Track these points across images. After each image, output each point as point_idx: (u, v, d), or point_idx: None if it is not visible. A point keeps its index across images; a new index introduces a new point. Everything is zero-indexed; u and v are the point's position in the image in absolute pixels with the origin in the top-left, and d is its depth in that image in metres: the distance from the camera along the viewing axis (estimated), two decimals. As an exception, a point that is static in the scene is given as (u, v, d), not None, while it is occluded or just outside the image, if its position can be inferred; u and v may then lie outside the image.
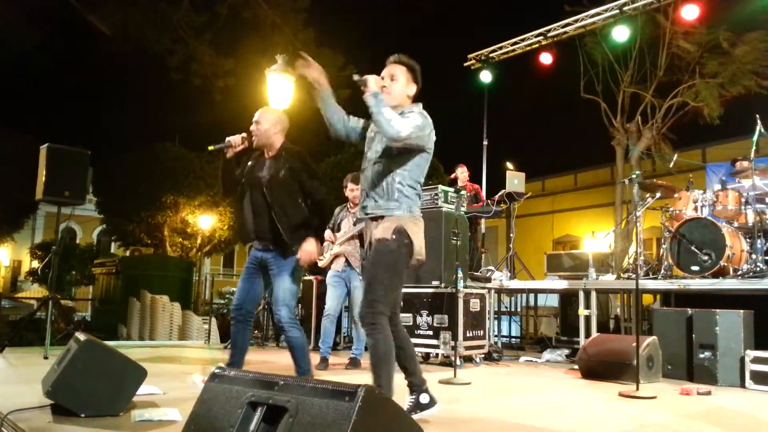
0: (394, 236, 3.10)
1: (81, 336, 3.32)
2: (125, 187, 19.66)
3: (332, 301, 5.96)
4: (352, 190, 5.99)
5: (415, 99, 3.35)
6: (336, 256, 6.01)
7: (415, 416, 3.16)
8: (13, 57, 14.36)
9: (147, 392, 3.69)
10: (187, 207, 20.63)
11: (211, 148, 4.04)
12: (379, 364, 3.05)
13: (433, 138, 3.25)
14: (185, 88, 15.08)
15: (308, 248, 3.84)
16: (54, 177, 5.89)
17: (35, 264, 23.85)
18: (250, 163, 4.07)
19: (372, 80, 3.12)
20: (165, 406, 3.37)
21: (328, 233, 6.07)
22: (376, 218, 3.22)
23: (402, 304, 6.32)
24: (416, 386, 3.28)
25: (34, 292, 25.25)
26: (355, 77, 3.17)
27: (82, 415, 3.07)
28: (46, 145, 5.96)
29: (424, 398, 3.27)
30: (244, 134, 4.03)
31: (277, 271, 3.88)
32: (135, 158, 20.12)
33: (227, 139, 4.02)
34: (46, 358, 5.49)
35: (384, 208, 3.17)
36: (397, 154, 3.17)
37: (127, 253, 21.52)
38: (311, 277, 7.79)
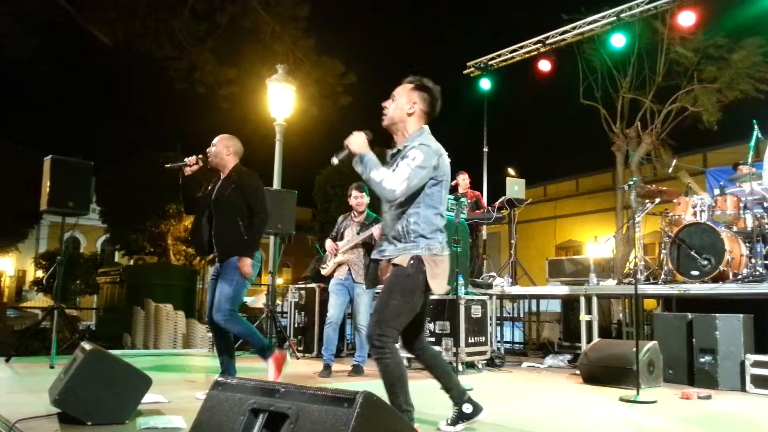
0: (411, 262, 3.07)
1: (87, 345, 3.38)
2: (128, 196, 19.71)
3: (334, 309, 6.00)
4: (356, 198, 6.05)
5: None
6: (339, 265, 6.05)
7: (462, 426, 3.36)
8: (15, 68, 14.45)
9: (152, 400, 3.74)
10: (190, 216, 20.68)
11: (167, 165, 4.52)
12: (395, 386, 3.03)
13: (445, 163, 3.14)
14: (187, 97, 15.20)
15: (243, 268, 4.28)
16: (58, 188, 5.97)
17: (40, 274, 23.87)
18: (210, 186, 4.52)
19: (353, 142, 3.06)
20: (169, 414, 3.41)
21: (329, 243, 6.12)
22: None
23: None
24: (457, 398, 3.38)
25: (38, 301, 25.32)
26: (334, 160, 3.14)
27: (89, 424, 3.12)
28: (50, 156, 6.04)
29: (467, 408, 3.36)
30: (200, 155, 4.47)
31: (220, 279, 4.32)
32: (138, 167, 20.18)
33: (185, 159, 4.47)
34: (52, 367, 5.54)
35: (402, 251, 3.11)
36: (408, 198, 3.07)
37: (131, 262, 21.59)
38: (314, 285, 7.83)
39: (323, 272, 6.22)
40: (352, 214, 6.17)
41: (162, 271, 16.99)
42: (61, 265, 6.15)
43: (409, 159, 2.99)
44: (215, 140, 4.47)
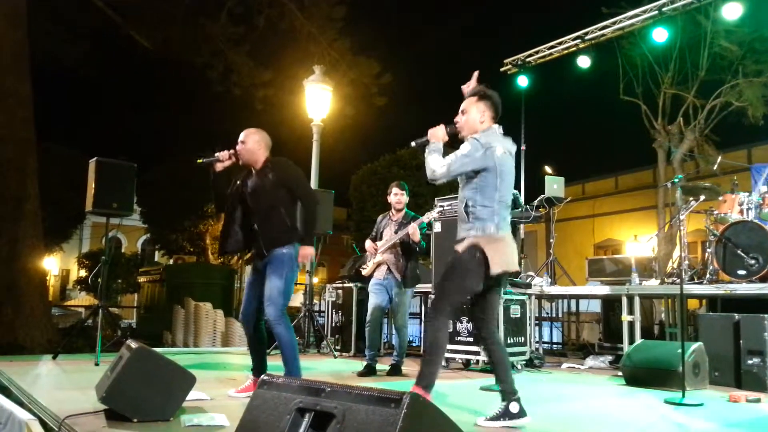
0: (466, 250, 3.44)
1: (132, 343, 3.44)
2: (168, 197, 20.12)
3: (374, 308, 6.00)
4: (396, 195, 6.05)
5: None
6: (378, 265, 6.05)
7: (502, 423, 3.39)
8: (61, 74, 14.83)
9: (195, 398, 3.79)
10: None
11: (200, 161, 4.36)
12: (427, 351, 3.49)
13: (497, 154, 3.45)
14: (224, 99, 15.37)
15: (303, 252, 4.21)
16: (102, 189, 6.10)
17: (83, 273, 24.52)
18: (239, 181, 4.39)
19: (431, 134, 3.58)
20: (212, 412, 3.46)
21: (369, 243, 6.12)
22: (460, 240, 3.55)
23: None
24: (507, 394, 3.46)
25: (82, 300, 25.97)
26: (412, 144, 3.70)
27: (135, 420, 3.18)
28: (95, 159, 6.18)
29: (513, 407, 3.43)
30: (232, 150, 4.33)
31: (268, 272, 4.16)
32: (177, 169, 20.57)
33: (216, 154, 4.33)
34: (97, 364, 5.67)
35: (465, 231, 3.50)
36: (466, 183, 3.51)
37: (171, 262, 21.99)
38: (351, 285, 7.86)
39: (363, 272, 6.22)
40: (391, 213, 6.16)
41: (201, 270, 17.24)
42: (106, 264, 6.29)
43: (459, 150, 3.45)
44: (243, 135, 4.35)
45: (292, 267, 4.19)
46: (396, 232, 5.95)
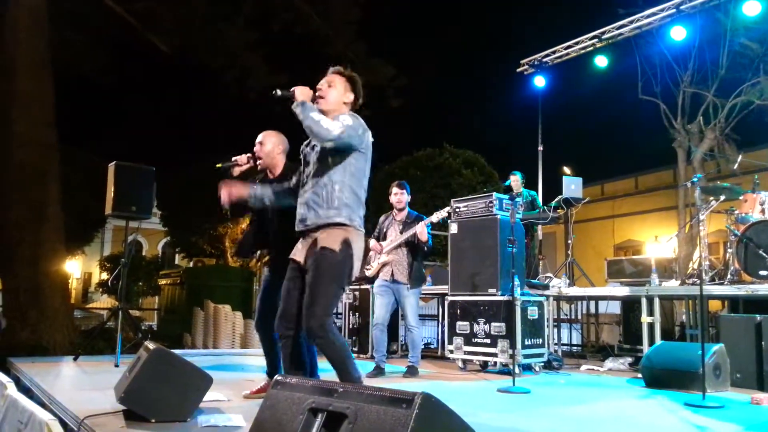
0: (340, 244, 3.14)
1: (150, 345, 3.48)
2: (187, 200, 20.30)
3: (380, 309, 6.00)
4: (396, 194, 6.06)
5: (355, 109, 3.39)
6: (383, 265, 6.04)
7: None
8: (81, 79, 15.02)
9: (212, 399, 3.82)
10: (246, 218, 21.10)
11: (218, 165, 4.30)
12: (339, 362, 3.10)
13: (369, 140, 3.29)
14: (241, 102, 15.49)
15: None
16: (122, 193, 6.17)
17: (104, 276, 24.83)
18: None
19: (299, 91, 3.18)
20: (229, 413, 3.48)
21: (373, 243, 6.12)
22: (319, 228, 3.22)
23: (459, 312, 6.34)
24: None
25: (103, 302, 26.28)
26: (278, 92, 3.23)
27: (153, 421, 3.21)
28: (114, 163, 6.26)
29: None
30: (249, 154, 4.26)
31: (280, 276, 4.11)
32: (196, 172, 20.76)
33: (234, 158, 4.27)
34: (117, 366, 5.73)
35: (325, 218, 3.18)
36: (332, 163, 3.21)
37: (191, 264, 22.17)
38: (368, 286, 7.87)
39: (368, 273, 6.21)
40: (393, 213, 6.16)
41: (220, 272, 17.38)
42: (126, 267, 6.36)
43: (341, 119, 3.17)
44: (261, 138, 4.28)
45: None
46: (401, 232, 5.94)
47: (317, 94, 3.28)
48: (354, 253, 3.13)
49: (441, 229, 8.02)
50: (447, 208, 6.34)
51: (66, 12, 12.01)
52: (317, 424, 1.90)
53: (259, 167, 4.28)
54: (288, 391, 2.06)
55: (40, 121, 9.70)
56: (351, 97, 3.38)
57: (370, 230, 6.14)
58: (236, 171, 4.27)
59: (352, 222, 3.17)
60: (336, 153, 3.18)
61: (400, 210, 6.08)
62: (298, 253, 3.27)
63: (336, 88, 3.34)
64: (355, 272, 3.20)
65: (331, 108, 3.29)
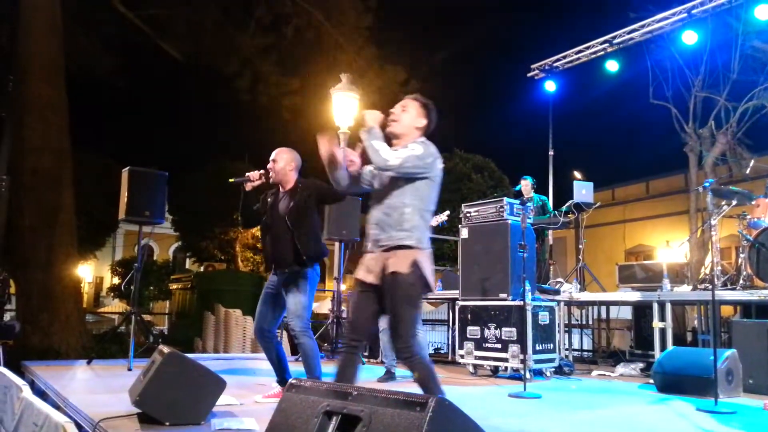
0: (410, 266, 3.16)
1: (165, 348, 3.51)
2: (199, 205, 20.42)
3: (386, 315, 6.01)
4: None
5: (427, 134, 3.40)
6: None
7: None
8: (93, 84, 15.18)
9: (225, 402, 3.85)
10: (249, 227, 21.24)
11: (231, 180, 4.48)
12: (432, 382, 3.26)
13: (440, 167, 3.31)
14: (253, 107, 15.56)
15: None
16: (135, 198, 6.23)
17: (116, 280, 24.98)
18: (269, 199, 4.48)
19: (369, 116, 3.25)
20: (242, 416, 3.51)
21: None
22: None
23: (469, 317, 6.35)
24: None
25: (115, 307, 26.45)
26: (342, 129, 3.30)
27: (167, 424, 3.24)
28: (128, 168, 6.31)
29: None
30: (262, 171, 4.42)
31: (290, 288, 4.27)
32: (207, 177, 20.88)
33: (246, 174, 4.42)
34: (129, 369, 5.77)
35: (396, 240, 3.22)
36: (404, 187, 3.23)
37: (202, 269, 22.27)
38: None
39: None
40: None
41: (231, 277, 17.44)
42: (138, 272, 6.41)
43: (410, 149, 3.20)
44: (275, 155, 4.45)
45: (312, 284, 4.31)
46: None
47: (390, 117, 3.34)
48: (424, 273, 3.18)
49: (451, 233, 8.03)
50: (446, 212, 6.35)
51: (79, 18, 12.15)
52: (332, 426, 1.91)
53: (271, 182, 4.44)
54: (303, 394, 2.08)
55: (54, 127, 9.80)
56: (423, 122, 3.39)
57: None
58: (248, 186, 4.41)
59: (421, 244, 3.22)
60: (407, 178, 3.23)
61: None
62: (366, 272, 3.31)
63: (409, 113, 3.38)
64: (430, 291, 3.29)
65: (402, 131, 3.35)
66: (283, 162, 4.42)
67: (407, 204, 3.21)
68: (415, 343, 3.13)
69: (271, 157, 4.45)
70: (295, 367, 4.54)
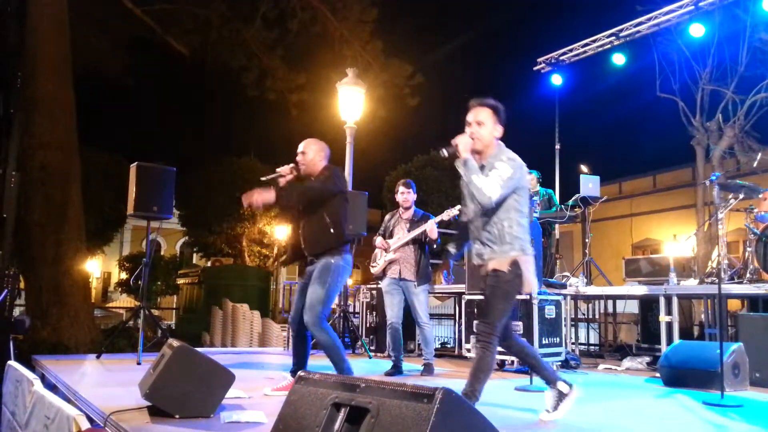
0: (509, 268, 3.42)
1: (174, 342, 3.55)
2: (205, 200, 20.47)
3: (392, 309, 6.03)
4: (403, 193, 6.09)
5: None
6: (390, 263, 6.06)
7: (564, 405, 3.58)
8: (101, 80, 15.25)
9: (234, 395, 3.88)
10: (263, 218, 21.28)
11: (263, 178, 4.48)
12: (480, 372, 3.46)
13: (525, 172, 3.52)
14: (260, 103, 15.60)
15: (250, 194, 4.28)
16: (143, 193, 6.26)
17: (124, 275, 25.10)
18: None
19: (461, 146, 3.42)
20: (250, 409, 3.55)
21: (380, 240, 6.14)
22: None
23: (476, 311, 6.37)
24: (552, 380, 3.63)
25: (122, 301, 26.58)
26: (444, 153, 3.50)
27: (177, 417, 3.28)
28: (136, 163, 6.35)
29: (563, 387, 3.60)
30: (292, 165, 4.39)
31: (315, 278, 4.22)
32: (214, 172, 20.94)
33: (277, 170, 4.41)
34: (139, 363, 5.83)
35: (500, 254, 3.45)
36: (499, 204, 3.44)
37: (209, 264, 22.35)
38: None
39: (373, 270, 6.23)
40: (400, 211, 6.19)
41: (238, 272, 17.52)
42: (147, 267, 6.45)
43: (500, 171, 3.39)
44: (303, 147, 4.41)
45: (337, 276, 4.24)
46: (409, 231, 5.98)
47: (471, 135, 3.48)
48: (523, 273, 3.43)
49: (445, 226, 8.04)
50: (458, 206, 6.36)
51: (87, 14, 12.18)
52: (340, 418, 1.94)
53: (302, 174, 4.41)
54: (311, 386, 2.11)
55: (62, 123, 9.85)
56: (500, 129, 3.55)
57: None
58: (282, 182, 4.39)
59: (524, 251, 3.47)
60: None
61: (407, 209, 6.12)
62: (481, 282, 3.64)
63: (486, 125, 3.49)
64: (529, 289, 3.57)
65: (484, 147, 3.51)
66: (312, 153, 4.39)
67: (504, 218, 3.44)
68: (495, 336, 3.39)
69: (300, 149, 4.41)
70: (314, 361, 4.56)
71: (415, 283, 5.93)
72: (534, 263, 3.55)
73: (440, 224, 6.11)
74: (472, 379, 3.39)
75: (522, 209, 3.49)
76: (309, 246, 4.29)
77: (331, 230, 4.24)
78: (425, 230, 5.88)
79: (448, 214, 6.05)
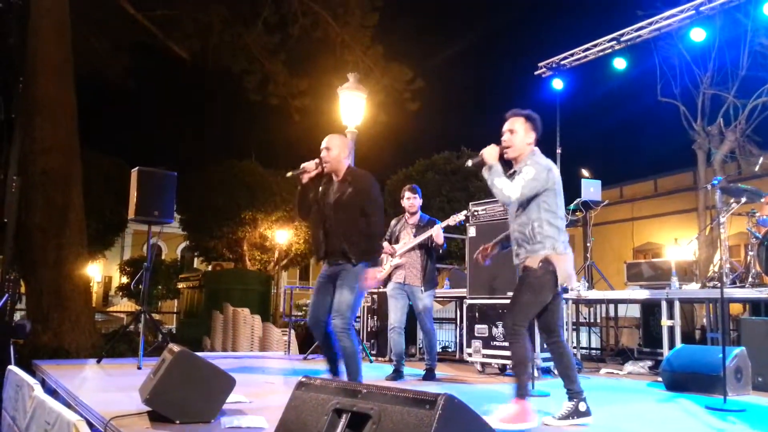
0: (540, 265, 3.60)
1: (175, 347, 3.54)
2: (206, 204, 20.50)
3: (396, 313, 6.01)
4: (409, 199, 6.09)
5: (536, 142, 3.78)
6: (396, 267, 6.06)
7: (573, 421, 3.58)
8: (103, 84, 15.29)
9: (235, 400, 3.87)
10: (264, 222, 21.29)
11: (289, 174, 4.43)
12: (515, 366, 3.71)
13: (556, 174, 3.68)
14: (261, 107, 15.63)
15: (369, 275, 4.22)
16: (144, 198, 6.25)
17: (125, 279, 25.10)
18: (321, 188, 4.39)
19: (486, 154, 3.64)
20: (251, 414, 3.53)
21: (386, 245, 6.13)
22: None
23: (477, 315, 6.36)
24: (576, 393, 3.64)
25: (123, 306, 26.58)
26: (469, 163, 3.75)
27: (177, 422, 3.26)
28: (137, 168, 6.34)
29: (582, 406, 3.62)
30: (317, 160, 4.34)
31: (340, 283, 4.18)
32: (215, 176, 20.96)
33: (302, 165, 4.35)
34: (139, 368, 5.81)
35: (532, 252, 3.64)
36: (528, 205, 3.65)
37: (210, 268, 22.34)
38: (385, 290, 7.89)
39: (378, 276, 6.21)
40: (405, 216, 6.18)
41: (239, 276, 17.50)
42: (148, 271, 6.44)
43: (525, 174, 3.60)
44: (326, 142, 4.34)
45: (362, 282, 4.21)
46: (415, 236, 5.97)
47: (503, 146, 3.70)
48: (557, 269, 3.59)
49: (458, 232, 8.03)
50: (464, 212, 6.35)
51: (88, 19, 12.21)
52: (342, 424, 1.93)
53: (325, 171, 4.37)
54: (313, 392, 2.10)
55: (63, 127, 9.87)
56: (533, 136, 3.75)
57: (389, 234, 6.24)
58: (305, 178, 4.36)
59: (556, 250, 3.62)
60: (528, 198, 3.62)
61: (413, 214, 6.12)
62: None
63: (518, 133, 3.72)
64: (565, 283, 3.69)
65: (517, 154, 3.72)
66: (337, 149, 4.32)
67: (534, 219, 3.62)
68: (521, 329, 3.55)
69: (323, 145, 4.34)
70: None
71: (422, 288, 5.92)
72: (569, 260, 3.67)
73: (446, 229, 6.11)
74: (514, 376, 3.67)
75: (553, 210, 3.64)
76: (343, 252, 4.21)
77: (366, 239, 4.23)
78: (431, 235, 5.88)
79: (454, 220, 6.06)
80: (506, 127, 3.74)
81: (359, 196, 4.24)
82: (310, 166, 4.34)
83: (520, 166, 3.66)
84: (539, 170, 3.60)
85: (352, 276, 4.16)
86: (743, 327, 5.75)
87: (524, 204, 3.66)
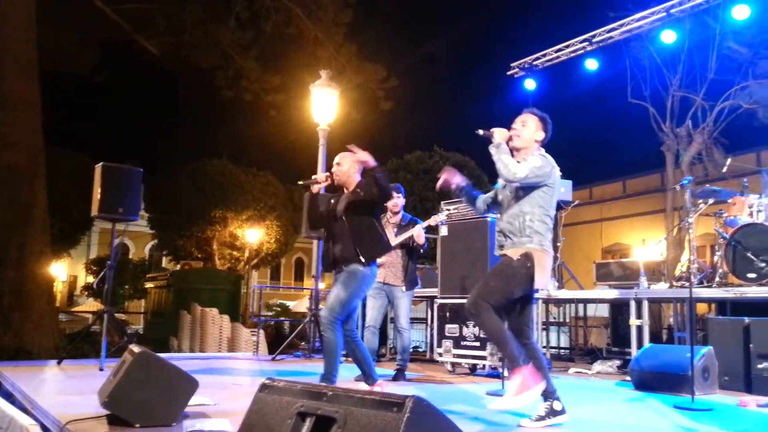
0: (520, 258, 3.55)
1: (135, 348, 3.42)
2: (175, 202, 20.17)
3: (373, 312, 5.96)
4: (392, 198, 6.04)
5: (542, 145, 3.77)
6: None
7: (550, 421, 3.55)
8: (69, 79, 14.94)
9: (198, 403, 3.76)
10: (235, 221, 21.04)
11: (301, 182, 4.68)
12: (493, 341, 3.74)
13: (557, 175, 3.67)
14: (232, 105, 15.45)
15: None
16: (108, 194, 6.08)
17: (90, 279, 24.62)
18: (332, 200, 4.60)
19: (497, 133, 3.65)
20: (216, 417, 3.43)
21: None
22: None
23: (448, 315, 6.32)
24: (550, 393, 3.59)
25: (89, 305, 26.05)
26: (480, 132, 3.70)
27: (137, 426, 3.15)
28: (101, 163, 6.16)
29: (557, 405, 3.59)
30: (327, 173, 4.60)
31: (340, 281, 4.36)
32: (184, 174, 20.65)
33: (313, 176, 4.61)
34: (101, 370, 5.65)
35: (518, 245, 3.59)
36: (523, 197, 3.63)
37: (178, 267, 22.01)
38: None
39: None
40: (388, 215, 6.13)
41: (208, 275, 17.25)
42: (111, 270, 6.27)
43: (530, 162, 3.58)
44: (339, 158, 4.55)
45: (362, 284, 4.36)
46: (396, 235, 5.92)
47: (512, 132, 3.70)
48: (533, 266, 3.53)
49: (430, 231, 7.99)
50: (445, 212, 6.33)
51: (56, 13, 11.91)
52: (306, 428, 1.86)
53: (335, 184, 4.57)
54: (276, 394, 2.02)
55: (28, 123, 9.60)
56: (542, 135, 3.75)
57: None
58: (315, 188, 4.60)
59: (542, 246, 3.58)
60: (526, 188, 3.61)
61: (395, 213, 6.07)
62: None
63: (528, 127, 3.73)
64: (541, 284, 3.62)
65: (523, 145, 3.71)
66: (347, 165, 4.51)
67: (527, 212, 3.59)
68: (485, 307, 3.46)
69: (336, 161, 4.57)
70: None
71: (402, 288, 5.89)
72: (550, 261, 3.64)
73: (427, 229, 6.07)
74: (498, 352, 3.78)
75: (546, 207, 3.62)
76: (346, 257, 4.36)
77: (368, 245, 4.40)
78: (413, 235, 5.84)
79: (435, 220, 6.04)
80: (519, 119, 3.76)
81: (364, 195, 4.42)
82: (320, 178, 4.58)
83: (524, 159, 3.64)
84: (546, 163, 3.60)
85: (351, 275, 4.32)
86: (710, 326, 5.81)
87: (520, 195, 3.64)
